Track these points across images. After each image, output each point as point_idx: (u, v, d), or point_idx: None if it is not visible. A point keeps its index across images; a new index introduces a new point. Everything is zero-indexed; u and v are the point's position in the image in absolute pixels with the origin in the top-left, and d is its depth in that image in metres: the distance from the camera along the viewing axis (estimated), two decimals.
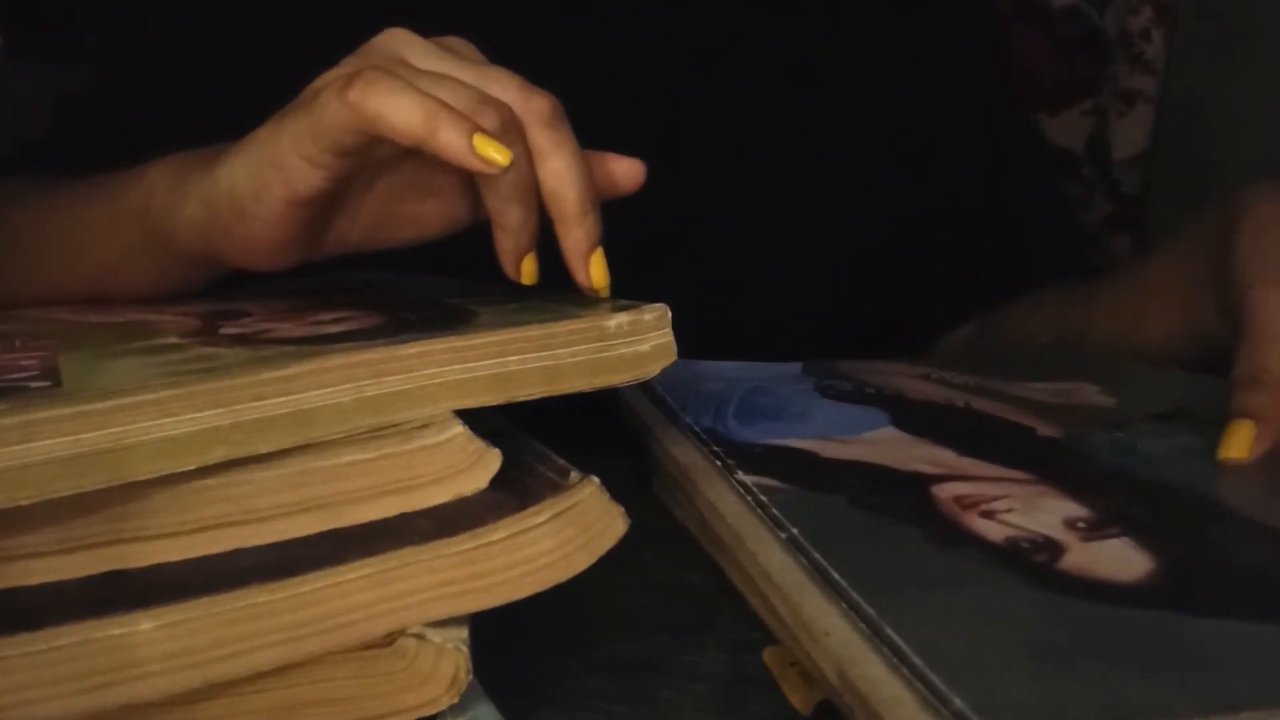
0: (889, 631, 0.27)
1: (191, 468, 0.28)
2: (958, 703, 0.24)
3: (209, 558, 0.29)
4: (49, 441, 0.26)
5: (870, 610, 0.28)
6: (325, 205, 0.40)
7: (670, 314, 0.34)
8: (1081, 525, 0.34)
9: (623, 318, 0.34)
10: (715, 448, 0.40)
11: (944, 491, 0.37)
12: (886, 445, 0.41)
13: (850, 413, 0.46)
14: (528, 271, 0.39)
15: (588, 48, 0.60)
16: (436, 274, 0.48)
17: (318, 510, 0.30)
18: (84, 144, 0.52)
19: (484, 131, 0.36)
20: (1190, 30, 0.84)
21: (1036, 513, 0.35)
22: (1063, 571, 0.31)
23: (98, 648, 0.26)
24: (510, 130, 0.36)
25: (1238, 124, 0.80)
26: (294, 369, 0.29)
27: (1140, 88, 0.84)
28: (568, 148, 0.38)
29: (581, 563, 0.31)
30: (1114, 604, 0.29)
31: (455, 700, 0.29)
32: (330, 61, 0.39)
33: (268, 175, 0.38)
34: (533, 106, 0.37)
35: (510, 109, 0.37)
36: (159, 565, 0.29)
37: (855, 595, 0.29)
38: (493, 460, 0.32)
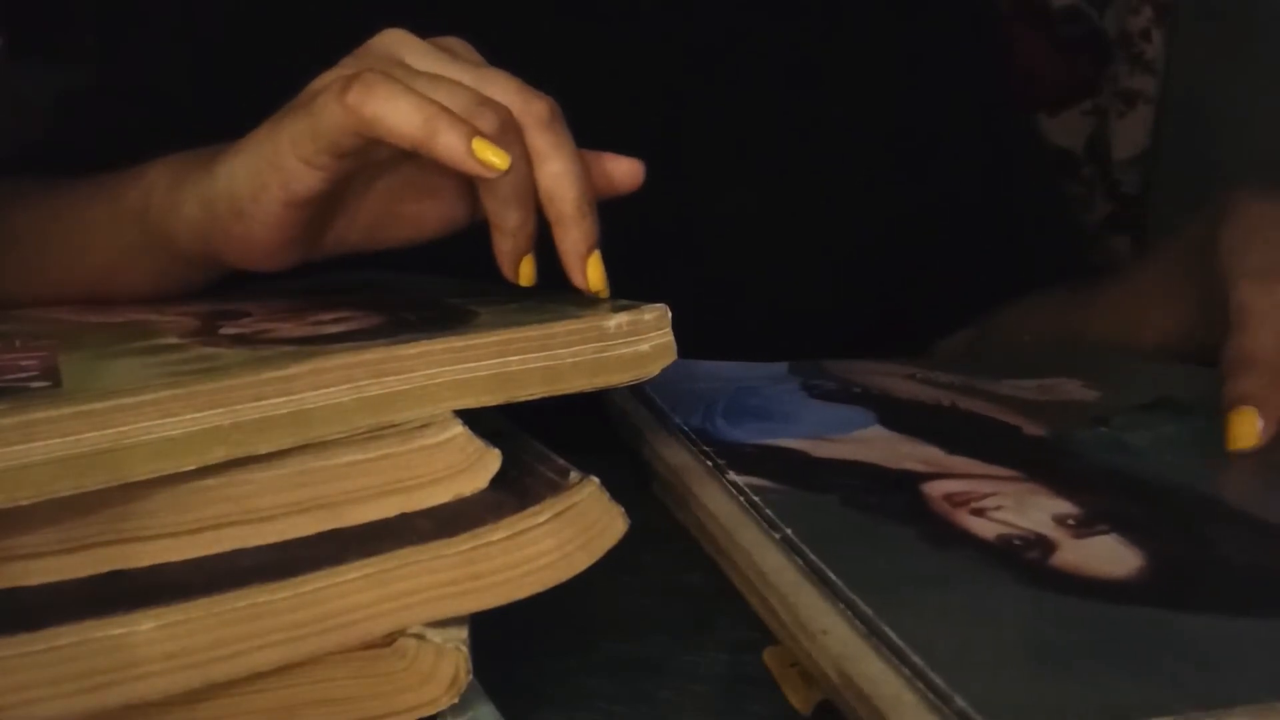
0: (887, 631, 0.27)
1: (191, 468, 0.28)
2: (959, 701, 0.24)
3: (209, 558, 0.29)
4: (49, 441, 0.26)
5: (867, 610, 0.28)
6: (323, 206, 0.40)
7: (670, 314, 0.34)
8: (1071, 522, 0.34)
9: (622, 318, 0.34)
10: (706, 448, 0.40)
11: (934, 490, 0.37)
12: (875, 444, 0.41)
13: (838, 412, 0.46)
14: (526, 273, 0.39)
15: (588, 48, 0.60)
16: (436, 274, 0.48)
17: (318, 510, 0.30)
18: (84, 144, 0.52)
19: (482, 134, 0.36)
20: (1190, 30, 0.84)
21: (1026, 510, 0.35)
22: (1054, 568, 0.31)
23: (98, 648, 0.26)
24: (509, 133, 0.37)
25: (1238, 124, 0.80)
26: (294, 369, 0.29)
27: (1140, 88, 0.84)
28: (565, 150, 0.38)
29: (581, 563, 0.31)
30: (1106, 601, 0.29)
31: (455, 700, 0.29)
32: (330, 61, 0.39)
33: (266, 176, 0.38)
34: (531, 109, 0.37)
35: (508, 111, 0.37)
36: (159, 565, 0.29)
37: (852, 595, 0.29)
38: (493, 460, 0.32)
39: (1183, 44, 0.84)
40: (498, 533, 0.30)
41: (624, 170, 0.40)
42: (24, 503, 0.26)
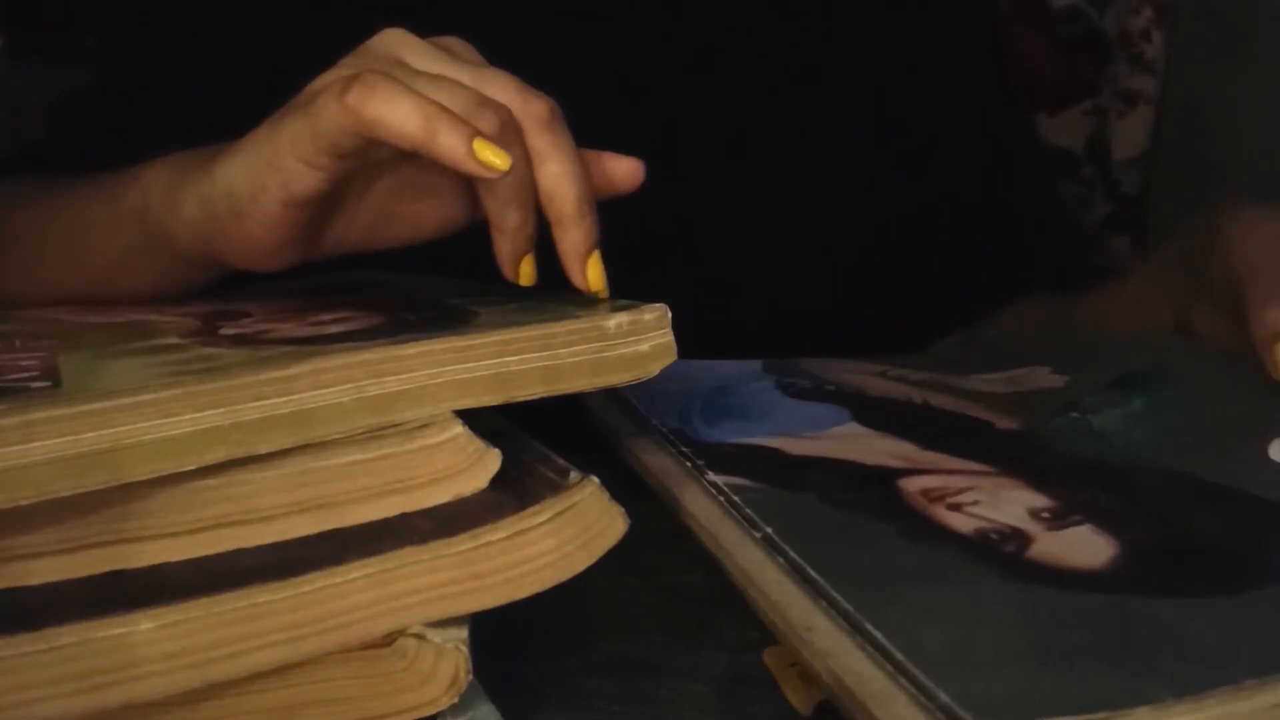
0: (870, 628, 0.27)
1: (191, 468, 0.28)
2: (943, 696, 0.24)
3: (209, 558, 0.29)
4: (49, 441, 0.26)
5: (850, 607, 0.28)
6: (323, 206, 0.40)
7: (670, 314, 0.34)
8: (1045, 515, 0.34)
9: (622, 318, 0.34)
10: (684, 449, 0.40)
11: (911, 485, 0.37)
12: (850, 441, 0.42)
13: (813, 410, 0.46)
14: (526, 273, 0.39)
15: (588, 48, 0.60)
16: (436, 274, 0.48)
17: (318, 510, 0.30)
18: (84, 144, 0.52)
19: (483, 135, 0.36)
20: (1190, 30, 0.84)
21: (1001, 504, 0.35)
22: (1032, 561, 0.31)
23: (98, 648, 0.26)
24: (509, 133, 0.37)
25: (1238, 124, 0.80)
26: (294, 369, 0.29)
27: (1140, 88, 0.84)
28: (565, 150, 0.38)
29: (581, 563, 0.31)
30: (1083, 591, 0.30)
31: (455, 700, 0.29)
32: (330, 61, 0.39)
33: (265, 176, 0.38)
34: (531, 109, 0.37)
35: (509, 111, 0.37)
36: (159, 565, 0.29)
37: (834, 593, 0.29)
38: (493, 460, 0.32)
39: (1183, 44, 0.84)
40: (498, 533, 0.30)
41: (624, 170, 0.40)
42: (24, 503, 0.26)
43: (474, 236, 0.41)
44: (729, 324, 0.57)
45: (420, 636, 0.29)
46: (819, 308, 0.64)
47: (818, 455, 0.40)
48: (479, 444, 0.32)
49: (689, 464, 0.39)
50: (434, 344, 0.31)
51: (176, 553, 0.29)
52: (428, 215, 0.42)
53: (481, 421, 0.32)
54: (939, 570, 0.31)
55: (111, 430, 0.27)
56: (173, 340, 0.35)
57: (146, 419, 0.27)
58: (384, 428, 0.31)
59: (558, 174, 0.37)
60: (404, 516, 0.31)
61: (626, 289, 0.38)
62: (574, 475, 0.32)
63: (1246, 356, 0.44)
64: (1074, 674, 0.25)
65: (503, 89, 0.38)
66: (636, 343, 0.34)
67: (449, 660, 0.29)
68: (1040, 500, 0.35)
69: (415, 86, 0.36)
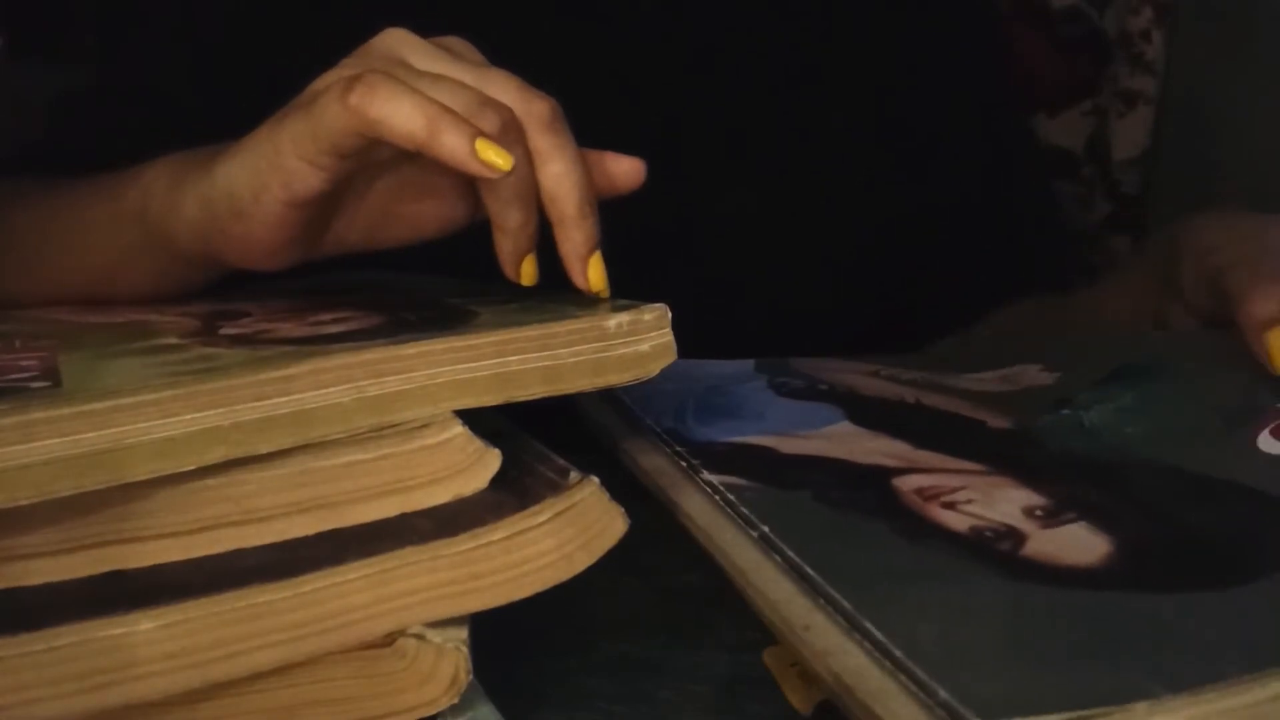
0: (868, 626, 0.27)
1: (191, 468, 0.28)
2: (943, 693, 0.24)
3: (209, 558, 0.29)
4: (49, 442, 0.26)
5: (848, 605, 0.28)
6: (324, 206, 0.40)
7: (670, 314, 0.34)
8: (1039, 513, 0.34)
9: (623, 318, 0.34)
10: (678, 449, 0.40)
11: (905, 484, 0.37)
12: (844, 440, 0.42)
13: (806, 409, 0.46)
14: (527, 273, 0.39)
15: (588, 48, 0.60)
16: (436, 274, 0.48)
17: (318, 510, 0.30)
18: (84, 144, 0.52)
19: (485, 135, 0.36)
20: (1190, 30, 0.84)
21: (995, 503, 0.35)
22: (1026, 559, 0.31)
23: (98, 648, 0.26)
24: (510, 133, 0.37)
25: (1238, 124, 0.80)
26: (294, 369, 0.29)
27: (1140, 88, 0.84)
28: (567, 151, 0.38)
29: (581, 563, 0.31)
30: (1078, 588, 0.30)
31: (455, 700, 0.29)
32: (330, 61, 0.39)
33: (266, 176, 0.38)
34: (532, 110, 0.37)
35: (510, 111, 0.37)
36: (159, 565, 0.29)
37: (832, 591, 0.29)
38: (493, 460, 0.32)
39: (1183, 44, 0.84)
40: (498, 533, 0.30)
41: (625, 169, 0.40)
42: (24, 503, 0.26)
43: (474, 236, 0.41)
44: (729, 324, 0.57)
45: (420, 637, 0.29)
46: (819, 308, 0.64)
47: (811, 454, 0.40)
48: (479, 444, 0.32)
49: (684, 464, 0.39)
50: (434, 344, 0.31)
51: (176, 553, 0.29)
52: (428, 215, 0.42)
53: (481, 421, 0.32)
54: (935, 568, 0.31)
55: (111, 430, 0.27)
56: (172, 340, 0.35)
57: (146, 419, 0.27)
58: (384, 428, 0.31)
59: (559, 174, 0.37)
60: (404, 516, 0.31)
61: (626, 289, 0.38)
62: (574, 475, 0.32)
63: (1231, 346, 0.45)
64: (1071, 671, 0.25)
65: (504, 89, 0.38)
66: (636, 343, 0.34)
67: (449, 660, 0.29)
68: (1034, 498, 0.35)
69: (417, 86, 0.36)
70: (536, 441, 0.35)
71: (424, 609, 0.29)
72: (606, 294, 0.38)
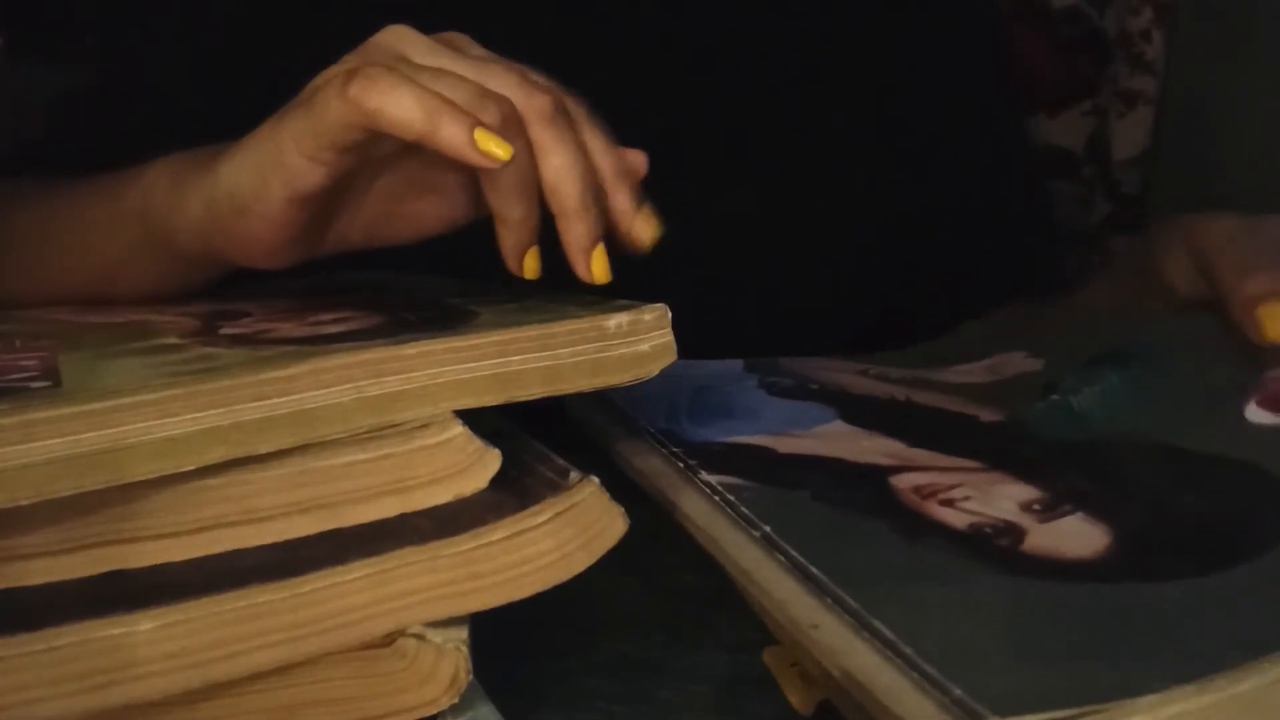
0: (877, 625, 0.27)
1: (191, 468, 0.28)
2: (957, 691, 0.24)
3: (209, 558, 0.29)
4: (49, 442, 0.26)
5: (854, 604, 0.28)
6: (326, 203, 0.40)
7: (670, 314, 0.34)
8: (1037, 507, 0.35)
9: (623, 318, 0.34)
10: (675, 449, 0.40)
11: (902, 482, 0.37)
12: (838, 439, 0.42)
13: (798, 408, 0.46)
14: (530, 266, 0.39)
15: (587, 47, 0.60)
16: (436, 274, 0.48)
17: (318, 510, 0.30)
18: (84, 144, 0.52)
19: (485, 126, 0.36)
20: (1190, 30, 0.84)
21: (992, 498, 0.35)
22: (1027, 554, 0.32)
23: (98, 648, 0.26)
24: (510, 125, 0.36)
25: (1238, 124, 0.80)
26: (294, 369, 0.29)
27: (1140, 88, 0.84)
28: (568, 144, 0.38)
29: (581, 563, 0.31)
30: (1080, 581, 0.30)
31: (455, 700, 0.29)
32: (330, 61, 0.39)
33: (269, 173, 0.38)
34: (533, 103, 0.37)
35: (510, 103, 0.37)
36: (159, 565, 0.29)
37: (839, 591, 0.29)
38: (493, 460, 0.32)
39: (1183, 44, 0.84)
40: (498, 533, 0.30)
41: (630, 161, 0.40)
42: (24, 503, 0.26)
43: (474, 236, 0.41)
44: (729, 324, 0.57)
45: (420, 637, 0.29)
46: (818, 308, 0.64)
47: (807, 453, 0.40)
48: (479, 444, 0.32)
49: (681, 464, 0.39)
50: (434, 344, 0.31)
51: (176, 553, 0.29)
52: (430, 213, 0.42)
53: (481, 421, 0.32)
54: (936, 567, 0.31)
55: (111, 430, 0.27)
56: (173, 340, 0.35)
57: (146, 419, 0.27)
58: (384, 428, 0.31)
59: (560, 167, 0.37)
60: (404, 516, 0.31)
61: (626, 289, 0.38)
62: (574, 475, 0.32)
63: (1211, 328, 0.45)
64: (1078, 665, 0.25)
65: (505, 82, 0.38)
66: (636, 343, 0.34)
67: (449, 660, 0.29)
68: (1030, 492, 0.36)
69: (418, 79, 0.36)
70: (536, 441, 0.35)
71: (424, 609, 0.29)
72: (607, 280, 0.38)
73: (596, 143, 0.39)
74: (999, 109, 0.72)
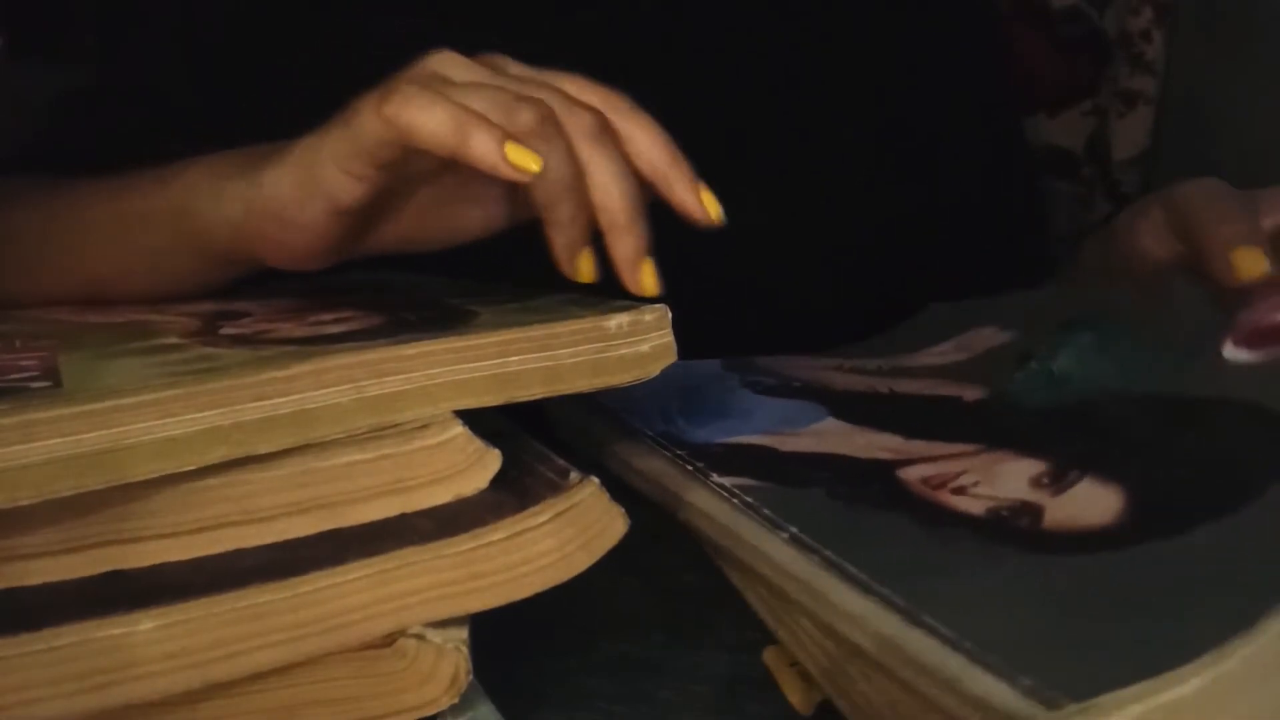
0: (928, 620, 0.27)
1: (192, 468, 0.28)
2: (1026, 680, 0.24)
3: (209, 558, 0.29)
4: (49, 442, 0.26)
5: (901, 601, 0.28)
6: (366, 212, 0.40)
7: (670, 314, 0.34)
8: (1045, 480, 0.34)
9: (623, 318, 0.34)
10: (679, 452, 0.40)
11: (910, 475, 0.37)
12: (835, 436, 0.42)
13: (790, 406, 0.46)
14: (585, 269, 0.38)
15: (587, 48, 0.60)
16: (438, 274, 0.48)
17: (318, 510, 0.30)
18: (84, 143, 0.52)
19: (515, 134, 0.35)
20: (1190, 30, 0.84)
21: (1000, 479, 0.35)
22: (1050, 531, 0.32)
23: (98, 648, 0.26)
24: (548, 126, 0.36)
25: (1238, 124, 0.80)
26: (294, 369, 0.29)
27: (1140, 88, 0.84)
28: (610, 160, 0.37)
29: (581, 563, 0.31)
30: (1108, 549, 0.30)
31: (455, 700, 0.29)
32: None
33: (309, 187, 0.38)
34: (573, 120, 0.37)
35: (547, 106, 0.37)
36: (159, 565, 0.29)
37: (882, 588, 0.29)
38: (493, 460, 0.32)
39: (1183, 44, 0.84)
40: (498, 533, 0.30)
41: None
42: (24, 503, 0.26)
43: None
44: (729, 324, 0.57)
45: (420, 637, 0.29)
46: (820, 307, 0.64)
47: (810, 451, 0.40)
48: (479, 444, 0.32)
49: (689, 467, 0.39)
50: (434, 344, 0.31)
51: (177, 553, 0.29)
52: (468, 220, 0.42)
53: (481, 422, 0.32)
54: (967, 556, 0.31)
55: (112, 430, 0.27)
56: (173, 340, 0.35)
57: (147, 419, 0.27)
58: (384, 428, 0.31)
59: (604, 183, 0.37)
60: (404, 517, 0.31)
61: (626, 289, 0.38)
62: (574, 475, 0.32)
63: (1175, 285, 0.46)
64: (1133, 634, 0.25)
65: (547, 97, 0.37)
66: (637, 343, 0.34)
67: (449, 660, 0.29)
68: (1034, 466, 0.35)
69: (451, 95, 0.36)
70: (536, 442, 0.35)
71: (424, 609, 0.29)
72: (656, 292, 0.38)
73: (645, 138, 0.39)
74: (999, 109, 0.72)
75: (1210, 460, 0.34)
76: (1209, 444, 0.35)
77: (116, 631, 0.26)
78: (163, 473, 0.28)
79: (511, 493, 0.31)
